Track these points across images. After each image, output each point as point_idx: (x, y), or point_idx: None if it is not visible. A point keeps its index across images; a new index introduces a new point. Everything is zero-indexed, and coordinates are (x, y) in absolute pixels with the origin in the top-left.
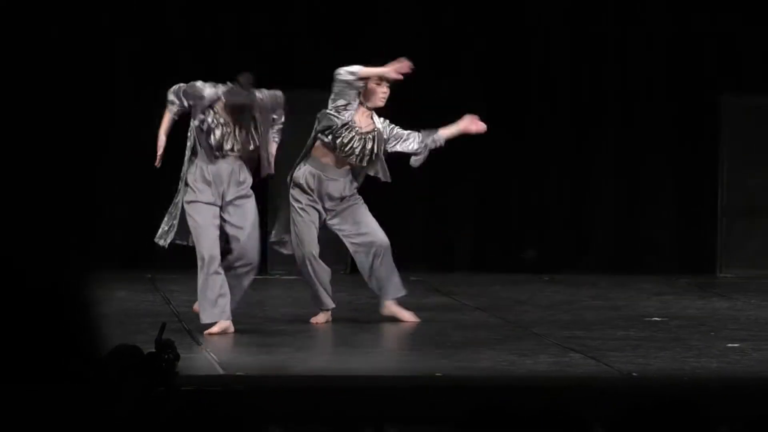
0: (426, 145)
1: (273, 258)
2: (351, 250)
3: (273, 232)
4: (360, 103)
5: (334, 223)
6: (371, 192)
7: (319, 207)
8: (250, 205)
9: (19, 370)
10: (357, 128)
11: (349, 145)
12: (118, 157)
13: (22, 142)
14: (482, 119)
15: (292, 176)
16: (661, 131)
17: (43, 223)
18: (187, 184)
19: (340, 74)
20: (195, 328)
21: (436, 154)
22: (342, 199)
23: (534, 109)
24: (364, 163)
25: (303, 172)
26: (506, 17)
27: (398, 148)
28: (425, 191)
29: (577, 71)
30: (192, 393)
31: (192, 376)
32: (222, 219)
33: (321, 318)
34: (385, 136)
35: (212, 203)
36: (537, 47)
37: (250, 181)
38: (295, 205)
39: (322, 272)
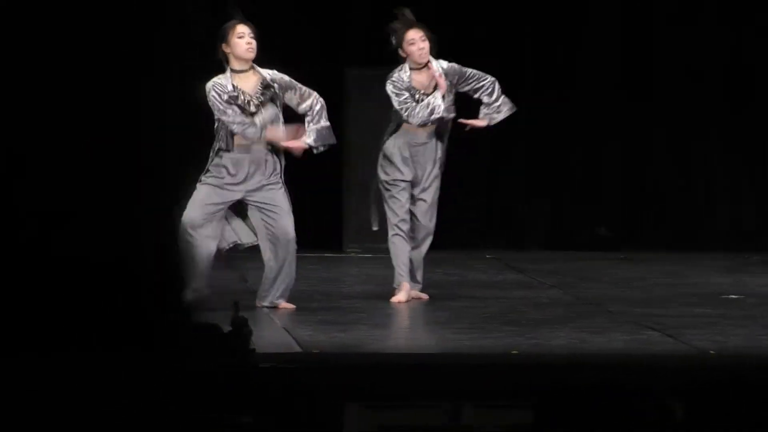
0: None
1: (348, 235)
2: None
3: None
4: (411, 69)
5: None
6: (452, 168)
7: (410, 180)
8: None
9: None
10: (421, 91)
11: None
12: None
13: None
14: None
15: (381, 149)
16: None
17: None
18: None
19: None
20: (275, 309)
21: (512, 132)
22: (434, 164)
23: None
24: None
25: (392, 143)
26: None
27: (471, 92)
28: (500, 169)
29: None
30: (270, 370)
31: (269, 353)
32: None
33: (402, 296)
34: (453, 80)
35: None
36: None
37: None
38: (384, 178)
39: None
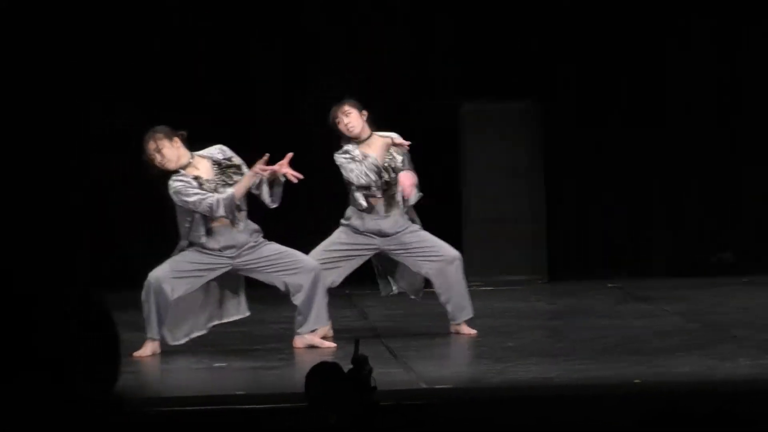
0: None
1: (469, 269)
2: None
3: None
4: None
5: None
6: (570, 198)
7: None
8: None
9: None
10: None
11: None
12: None
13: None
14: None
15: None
16: None
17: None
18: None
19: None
20: (393, 344)
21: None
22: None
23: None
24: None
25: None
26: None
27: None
28: (619, 197)
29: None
30: (394, 408)
31: (392, 390)
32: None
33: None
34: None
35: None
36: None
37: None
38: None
39: None
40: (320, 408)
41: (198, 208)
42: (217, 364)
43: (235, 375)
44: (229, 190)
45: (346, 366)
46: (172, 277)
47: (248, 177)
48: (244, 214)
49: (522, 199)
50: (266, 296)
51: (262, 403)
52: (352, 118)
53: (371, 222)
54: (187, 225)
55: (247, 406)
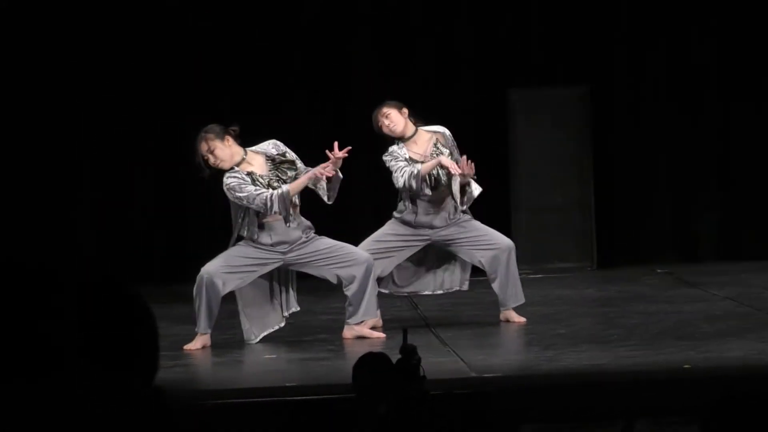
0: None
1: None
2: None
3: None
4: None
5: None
6: (619, 184)
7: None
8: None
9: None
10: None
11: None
12: None
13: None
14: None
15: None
16: None
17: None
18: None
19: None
20: (443, 333)
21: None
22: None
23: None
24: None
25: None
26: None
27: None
28: (669, 181)
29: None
30: (443, 396)
31: (442, 379)
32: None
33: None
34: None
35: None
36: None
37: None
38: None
39: None
40: (369, 398)
41: (252, 204)
42: (267, 356)
43: (285, 366)
44: (285, 187)
45: (395, 356)
46: (223, 272)
47: (308, 176)
48: (297, 210)
49: (570, 186)
50: (316, 288)
51: (313, 394)
52: (392, 119)
53: (424, 217)
54: (240, 220)
55: (297, 398)
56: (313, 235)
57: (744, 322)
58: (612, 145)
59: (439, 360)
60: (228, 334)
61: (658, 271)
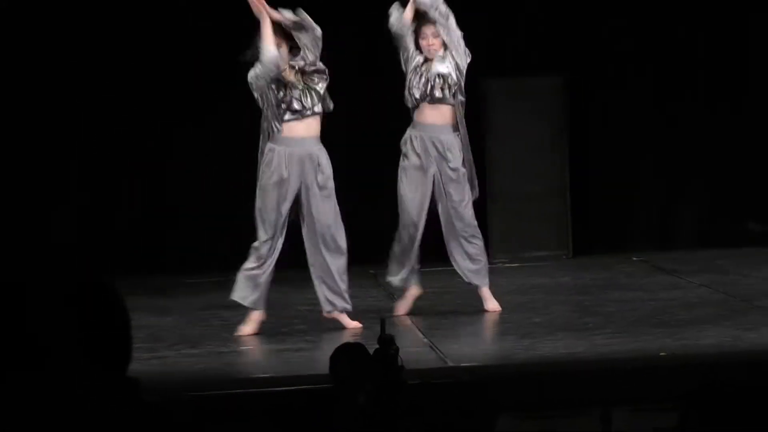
0: None
1: (495, 246)
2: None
3: None
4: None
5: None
6: (595, 172)
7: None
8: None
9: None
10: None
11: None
12: None
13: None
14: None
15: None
16: None
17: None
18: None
19: None
20: (419, 323)
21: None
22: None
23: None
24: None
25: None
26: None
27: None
28: (644, 169)
29: None
30: (420, 386)
31: (419, 369)
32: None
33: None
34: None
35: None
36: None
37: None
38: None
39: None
40: (347, 388)
41: (263, 65)
42: (244, 347)
43: (262, 357)
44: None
45: (373, 346)
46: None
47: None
48: (314, 117)
49: (547, 174)
50: (292, 278)
51: (290, 384)
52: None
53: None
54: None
55: (275, 389)
56: (329, 172)
57: (720, 309)
58: (588, 134)
59: (417, 350)
60: (203, 326)
61: (634, 258)
